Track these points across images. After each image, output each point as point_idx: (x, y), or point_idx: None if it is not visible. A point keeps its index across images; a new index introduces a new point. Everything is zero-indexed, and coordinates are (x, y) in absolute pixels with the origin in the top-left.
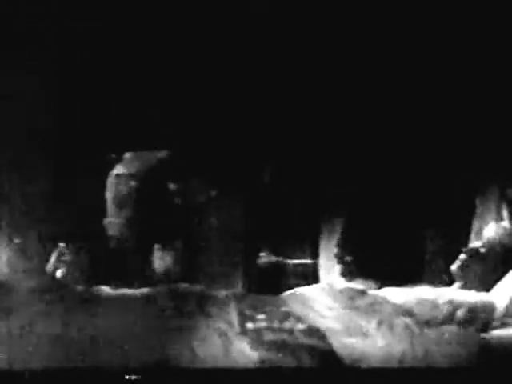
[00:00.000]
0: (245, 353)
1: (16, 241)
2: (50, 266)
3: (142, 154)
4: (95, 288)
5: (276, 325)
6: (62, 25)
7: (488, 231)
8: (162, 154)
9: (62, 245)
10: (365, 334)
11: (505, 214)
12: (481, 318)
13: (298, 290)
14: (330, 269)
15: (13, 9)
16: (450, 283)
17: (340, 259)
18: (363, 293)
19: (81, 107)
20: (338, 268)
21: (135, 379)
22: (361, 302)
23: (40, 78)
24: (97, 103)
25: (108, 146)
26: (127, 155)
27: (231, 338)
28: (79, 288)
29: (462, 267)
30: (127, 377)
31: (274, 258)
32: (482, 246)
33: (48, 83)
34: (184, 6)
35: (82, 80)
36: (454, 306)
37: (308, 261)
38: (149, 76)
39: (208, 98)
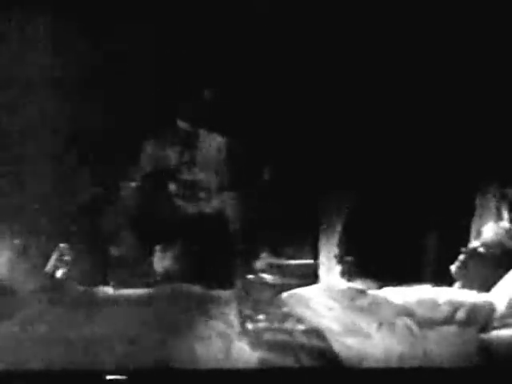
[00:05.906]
0: (245, 353)
1: (16, 241)
2: (50, 266)
3: None
4: (95, 288)
5: (276, 325)
6: None
7: (488, 231)
8: None
9: (62, 245)
10: (365, 335)
11: (505, 214)
12: (481, 318)
13: (298, 291)
14: (330, 269)
15: None
16: (450, 283)
17: (340, 259)
18: (363, 293)
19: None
20: (338, 268)
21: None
22: (361, 302)
23: None
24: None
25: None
26: None
27: (231, 339)
28: (79, 288)
29: (462, 267)
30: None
31: (273, 259)
32: (482, 246)
33: None
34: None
35: None
36: (454, 306)
37: (308, 261)
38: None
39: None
